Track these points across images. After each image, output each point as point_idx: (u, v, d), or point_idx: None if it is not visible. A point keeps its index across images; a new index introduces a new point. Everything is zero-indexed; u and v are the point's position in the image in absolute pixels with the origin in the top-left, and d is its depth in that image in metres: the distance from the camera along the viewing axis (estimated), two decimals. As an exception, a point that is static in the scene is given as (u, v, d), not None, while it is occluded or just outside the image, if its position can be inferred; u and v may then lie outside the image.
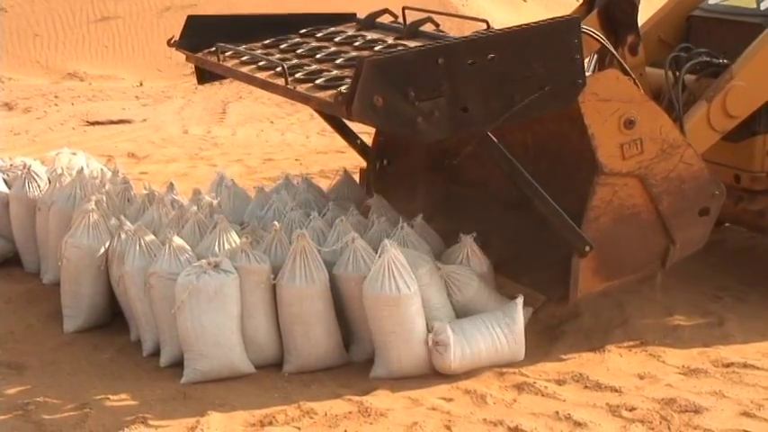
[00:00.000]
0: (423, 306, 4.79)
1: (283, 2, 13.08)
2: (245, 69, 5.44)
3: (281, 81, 4.99)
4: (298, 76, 5.04)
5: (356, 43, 5.60)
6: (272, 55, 5.57)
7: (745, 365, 4.94)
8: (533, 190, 4.67)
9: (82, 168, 6.22)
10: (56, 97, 11.94)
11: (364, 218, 5.55)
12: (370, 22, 6.01)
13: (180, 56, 6.09)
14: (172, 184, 5.95)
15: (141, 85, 12.89)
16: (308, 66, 5.25)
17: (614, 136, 4.74)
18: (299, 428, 4.39)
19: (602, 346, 5.15)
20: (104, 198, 5.70)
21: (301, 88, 4.90)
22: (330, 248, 5.05)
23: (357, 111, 4.27)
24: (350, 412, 4.50)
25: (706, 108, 5.14)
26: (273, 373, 4.89)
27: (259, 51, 5.64)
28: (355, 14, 6.22)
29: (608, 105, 4.72)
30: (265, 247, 5.06)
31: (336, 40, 5.75)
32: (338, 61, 5.25)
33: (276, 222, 5.27)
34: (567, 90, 4.55)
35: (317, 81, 4.91)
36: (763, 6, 5.59)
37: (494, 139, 4.53)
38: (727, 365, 4.95)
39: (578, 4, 5.71)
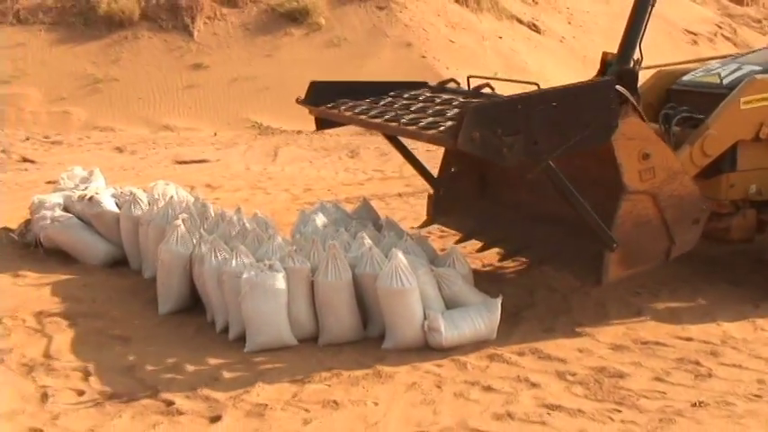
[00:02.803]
0: (421, 297, 4.81)
1: (328, 71, 13.07)
2: (361, 118, 5.42)
3: (394, 124, 5.02)
4: (403, 121, 5.04)
5: (437, 101, 5.55)
6: (375, 109, 5.52)
7: (657, 343, 4.95)
8: (579, 203, 4.69)
9: (172, 195, 6.28)
10: (154, 143, 11.98)
11: (378, 233, 5.58)
12: (440, 88, 5.98)
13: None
14: (239, 208, 5.96)
15: (215, 135, 12.92)
16: (407, 115, 5.19)
17: (635, 165, 4.78)
18: (329, 386, 4.42)
19: (551, 328, 5.15)
20: (189, 217, 5.76)
21: (410, 128, 4.91)
22: (353, 255, 5.08)
23: (461, 142, 4.29)
24: (367, 374, 4.53)
25: (689, 150, 5.25)
26: (311, 345, 4.90)
27: (365, 107, 5.61)
28: (426, 82, 6.21)
29: (632, 143, 4.75)
30: (306, 253, 5.08)
31: (420, 98, 5.71)
32: (429, 111, 5.20)
33: (314, 236, 5.31)
34: (605, 130, 4.57)
35: (419, 124, 4.90)
36: (725, 82, 5.71)
37: (554, 166, 4.55)
38: (645, 343, 4.96)
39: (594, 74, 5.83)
